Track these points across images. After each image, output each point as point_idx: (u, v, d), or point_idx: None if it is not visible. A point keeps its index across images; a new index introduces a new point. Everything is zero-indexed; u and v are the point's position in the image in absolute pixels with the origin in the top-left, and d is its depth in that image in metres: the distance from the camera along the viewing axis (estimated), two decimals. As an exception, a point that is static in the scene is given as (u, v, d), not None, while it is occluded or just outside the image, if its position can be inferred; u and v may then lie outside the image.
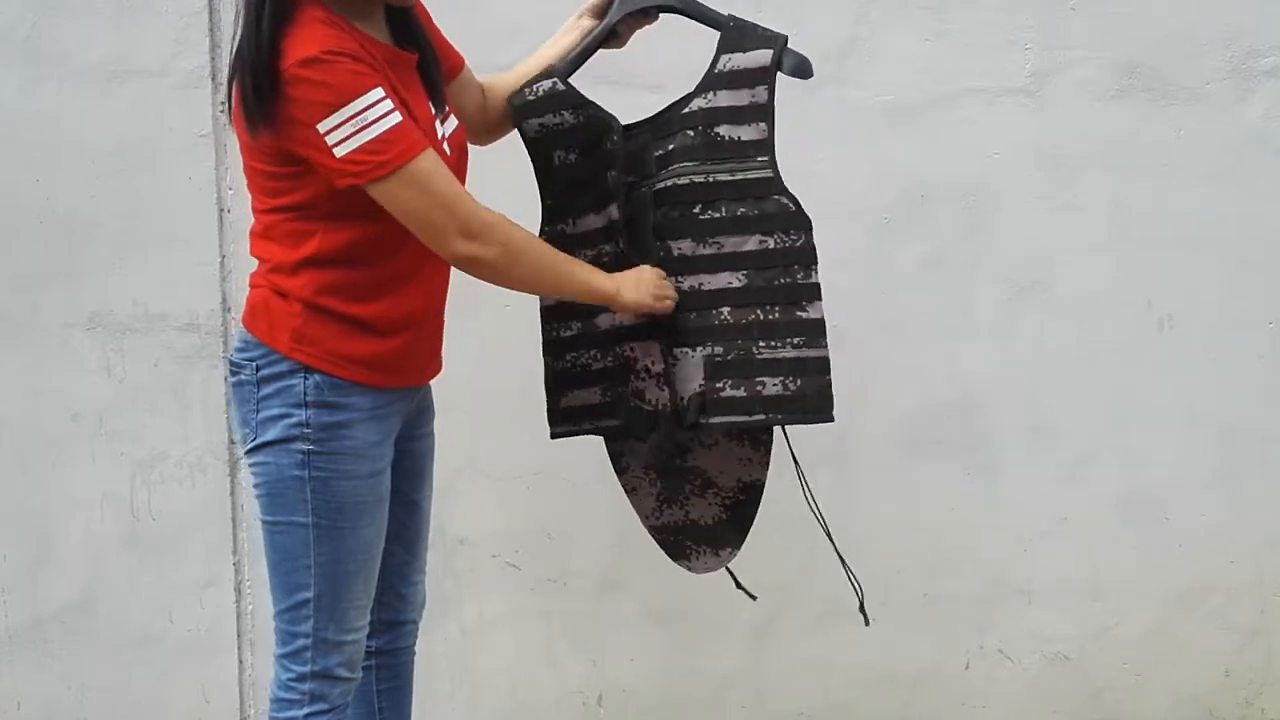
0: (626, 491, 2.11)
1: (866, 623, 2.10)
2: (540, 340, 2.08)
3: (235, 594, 2.69)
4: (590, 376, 2.05)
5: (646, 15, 2.02)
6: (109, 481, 2.65)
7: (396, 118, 1.69)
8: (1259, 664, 2.72)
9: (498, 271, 1.81)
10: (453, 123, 1.91)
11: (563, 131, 1.98)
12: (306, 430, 1.78)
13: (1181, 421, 2.66)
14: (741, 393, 1.91)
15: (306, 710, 1.85)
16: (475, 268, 1.80)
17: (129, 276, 2.60)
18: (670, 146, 1.95)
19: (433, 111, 1.85)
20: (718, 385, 1.92)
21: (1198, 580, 2.70)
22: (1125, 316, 2.64)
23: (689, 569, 2.12)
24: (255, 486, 1.84)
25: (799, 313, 1.90)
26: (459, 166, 1.91)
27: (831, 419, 1.92)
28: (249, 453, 1.84)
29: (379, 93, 1.68)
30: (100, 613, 2.67)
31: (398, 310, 1.82)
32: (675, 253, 1.94)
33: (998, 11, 2.57)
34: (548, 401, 2.08)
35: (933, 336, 2.64)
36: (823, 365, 1.91)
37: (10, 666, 2.69)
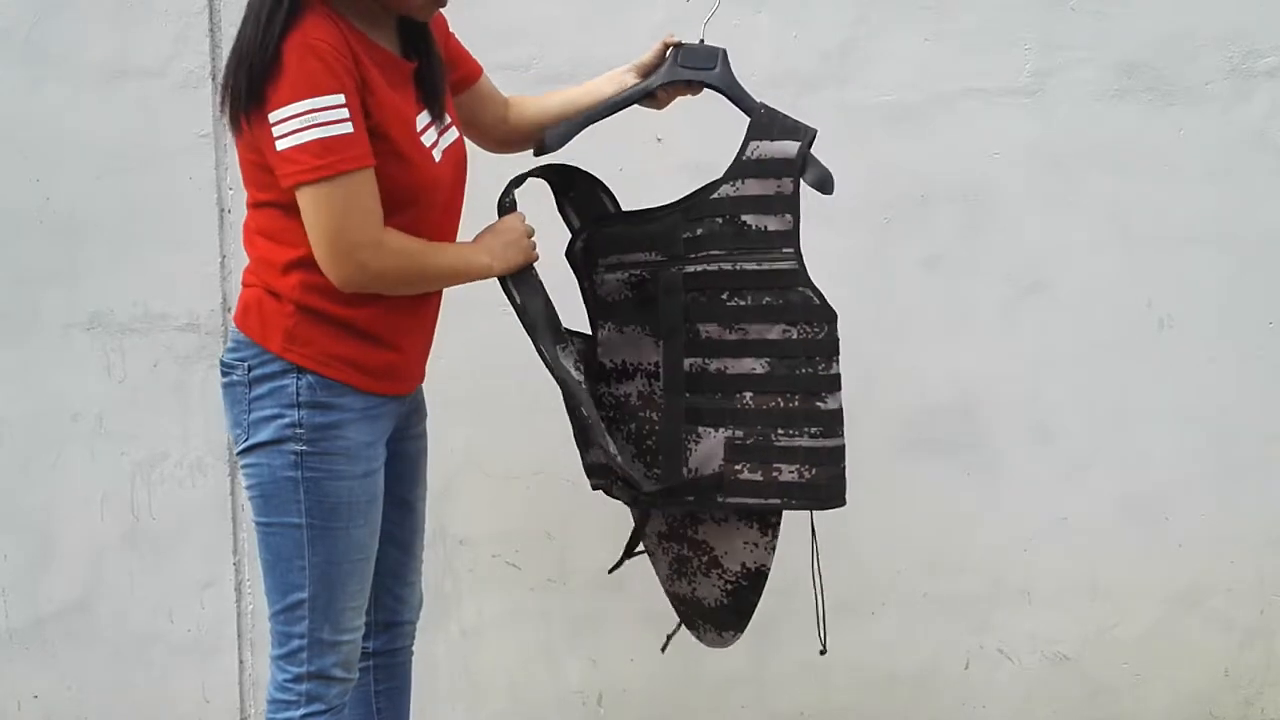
0: (649, 555, 2.14)
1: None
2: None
3: (235, 594, 2.69)
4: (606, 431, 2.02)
5: (690, 85, 2.04)
6: (109, 481, 2.65)
7: (348, 127, 1.66)
8: (1259, 664, 2.72)
9: (380, 287, 1.79)
10: (452, 134, 1.90)
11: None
12: (299, 431, 1.78)
13: (1181, 421, 2.66)
14: (759, 476, 1.95)
15: (303, 711, 1.85)
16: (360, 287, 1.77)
17: (129, 276, 2.60)
18: (699, 231, 1.96)
19: (428, 120, 1.84)
20: (736, 467, 1.96)
21: (1198, 580, 2.70)
22: (1125, 316, 2.64)
23: (697, 639, 2.15)
24: (248, 488, 1.85)
25: (818, 403, 1.93)
26: (456, 178, 1.91)
27: (842, 504, 1.97)
28: (241, 454, 1.84)
29: (340, 98, 1.65)
30: (100, 613, 2.68)
31: (389, 315, 1.81)
32: (703, 335, 1.97)
33: (998, 11, 2.57)
34: (581, 456, 2.06)
35: (933, 336, 2.64)
36: (837, 454, 1.95)
37: (10, 666, 2.69)
